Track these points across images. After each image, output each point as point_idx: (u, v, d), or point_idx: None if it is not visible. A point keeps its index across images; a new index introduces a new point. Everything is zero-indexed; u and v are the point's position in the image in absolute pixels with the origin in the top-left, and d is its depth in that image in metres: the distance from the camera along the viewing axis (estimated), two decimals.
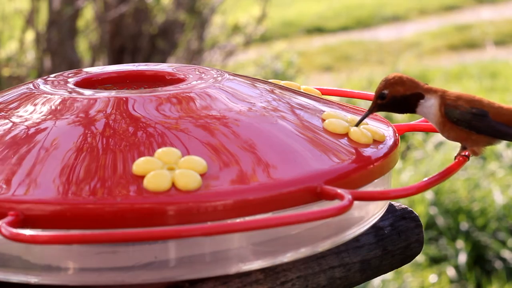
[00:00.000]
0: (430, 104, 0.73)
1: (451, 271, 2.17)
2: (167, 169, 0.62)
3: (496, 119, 0.72)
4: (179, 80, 0.76)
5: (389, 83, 0.73)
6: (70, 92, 0.72)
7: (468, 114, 0.72)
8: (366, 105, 0.85)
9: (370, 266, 0.72)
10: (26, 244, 0.60)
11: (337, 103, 0.79)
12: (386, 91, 0.73)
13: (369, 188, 0.69)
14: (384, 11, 5.72)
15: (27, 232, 0.58)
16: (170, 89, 0.72)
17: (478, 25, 5.20)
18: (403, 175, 2.54)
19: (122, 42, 2.84)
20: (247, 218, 0.62)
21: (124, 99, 0.70)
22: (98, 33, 2.76)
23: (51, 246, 0.62)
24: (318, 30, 5.40)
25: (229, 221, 0.61)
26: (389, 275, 2.07)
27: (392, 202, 0.77)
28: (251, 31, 3.08)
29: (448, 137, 0.74)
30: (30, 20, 2.54)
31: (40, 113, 0.70)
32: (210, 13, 2.96)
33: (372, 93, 0.85)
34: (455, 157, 0.74)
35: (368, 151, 0.70)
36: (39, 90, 0.74)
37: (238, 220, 0.62)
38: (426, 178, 0.70)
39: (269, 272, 0.66)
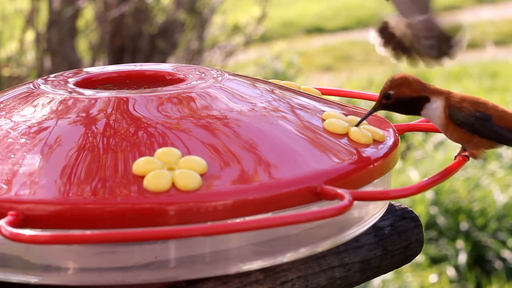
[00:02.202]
0: (436, 107, 0.72)
1: (451, 271, 2.17)
2: (167, 169, 0.62)
3: (500, 124, 0.72)
4: (179, 80, 0.76)
5: (394, 84, 0.73)
6: (70, 92, 0.72)
7: (472, 118, 0.72)
8: (366, 105, 0.85)
9: (370, 266, 0.72)
10: (26, 244, 0.60)
11: (337, 103, 0.79)
12: (391, 92, 0.73)
13: (369, 188, 0.69)
14: (384, 11, 5.71)
15: (27, 232, 0.58)
16: (170, 89, 0.72)
17: (478, 25, 5.20)
18: (403, 175, 2.54)
19: (122, 42, 2.84)
20: (247, 218, 0.62)
21: (124, 99, 0.70)
22: (98, 33, 2.76)
23: (51, 246, 0.62)
24: (318, 30, 5.40)
25: (229, 221, 0.61)
26: (389, 275, 2.07)
27: (392, 202, 0.77)
28: (251, 31, 3.08)
29: (451, 138, 0.74)
30: (30, 20, 2.53)
31: (40, 113, 0.70)
32: (210, 13, 2.96)
33: (372, 93, 0.85)
34: (455, 157, 0.74)
35: (368, 151, 0.70)
36: (39, 90, 0.74)
37: (238, 220, 0.62)
38: (426, 178, 0.70)
39: (269, 272, 0.66)
